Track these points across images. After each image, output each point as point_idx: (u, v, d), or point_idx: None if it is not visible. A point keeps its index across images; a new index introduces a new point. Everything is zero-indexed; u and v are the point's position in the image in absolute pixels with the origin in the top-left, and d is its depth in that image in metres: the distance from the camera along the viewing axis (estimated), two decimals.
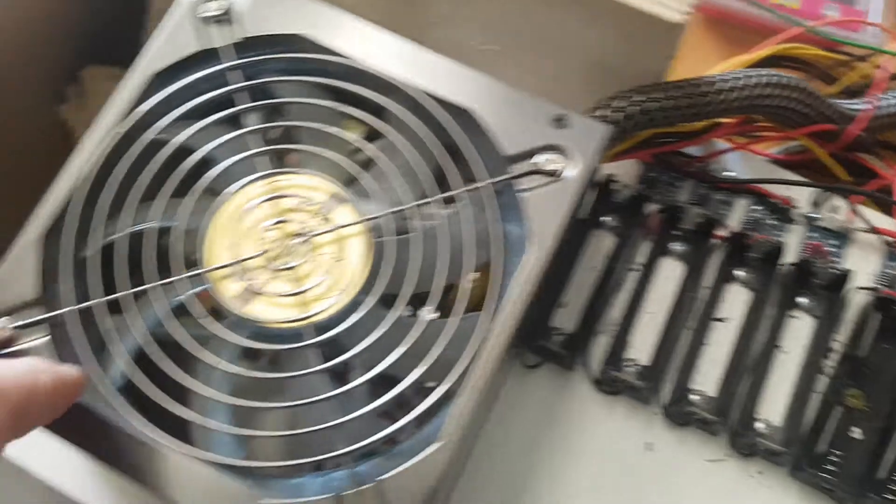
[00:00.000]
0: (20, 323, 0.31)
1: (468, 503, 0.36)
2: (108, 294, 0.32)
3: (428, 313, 0.32)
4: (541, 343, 0.38)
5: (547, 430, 0.38)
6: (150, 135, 0.34)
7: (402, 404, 0.35)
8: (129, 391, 0.31)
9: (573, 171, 0.33)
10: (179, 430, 0.30)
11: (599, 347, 0.39)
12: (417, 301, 0.33)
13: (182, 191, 0.33)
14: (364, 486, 0.29)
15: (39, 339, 0.31)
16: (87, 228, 0.33)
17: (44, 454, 0.34)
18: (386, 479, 0.29)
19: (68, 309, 0.31)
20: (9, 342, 0.31)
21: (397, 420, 0.31)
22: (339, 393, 0.31)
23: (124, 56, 0.54)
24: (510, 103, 0.34)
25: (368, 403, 0.31)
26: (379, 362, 0.31)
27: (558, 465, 0.37)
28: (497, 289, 0.32)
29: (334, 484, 0.30)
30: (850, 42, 0.52)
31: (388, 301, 0.32)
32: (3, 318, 0.32)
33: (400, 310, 0.32)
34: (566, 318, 0.39)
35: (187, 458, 0.30)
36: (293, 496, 0.29)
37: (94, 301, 0.32)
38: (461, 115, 0.35)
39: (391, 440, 0.31)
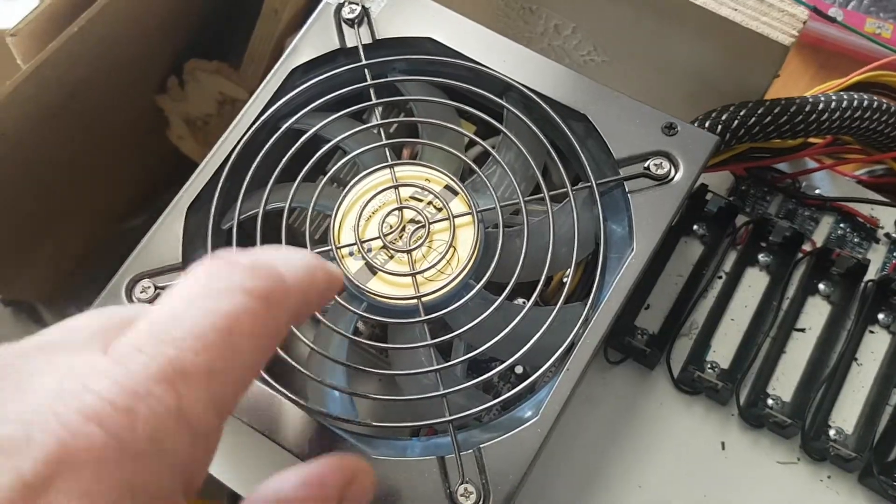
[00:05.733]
0: (163, 284, 0.35)
1: (543, 487, 0.38)
2: None
3: (529, 301, 0.34)
4: (626, 340, 0.39)
5: (624, 424, 0.39)
6: (284, 123, 0.37)
7: (498, 383, 0.38)
8: None
9: (680, 176, 0.35)
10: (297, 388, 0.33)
11: (681, 349, 0.40)
12: (520, 289, 0.35)
13: (313, 176, 0.37)
14: (465, 452, 0.31)
15: None
16: (227, 204, 0.36)
17: None
18: (486, 447, 0.31)
19: None
20: (152, 302, 0.35)
21: (494, 397, 0.34)
22: (444, 367, 0.33)
23: (226, 51, 0.56)
24: (623, 110, 0.36)
25: (467, 379, 0.33)
26: (481, 343, 0.33)
27: (633, 457, 0.38)
28: (598, 283, 0.34)
29: (435, 448, 0.33)
30: None
31: (492, 287, 0.34)
32: (147, 280, 0.35)
33: (503, 296, 0.34)
34: (650, 320, 0.40)
35: (304, 411, 0.33)
36: (398, 456, 0.32)
37: None
38: (576, 118, 0.37)
39: (484, 416, 0.34)
